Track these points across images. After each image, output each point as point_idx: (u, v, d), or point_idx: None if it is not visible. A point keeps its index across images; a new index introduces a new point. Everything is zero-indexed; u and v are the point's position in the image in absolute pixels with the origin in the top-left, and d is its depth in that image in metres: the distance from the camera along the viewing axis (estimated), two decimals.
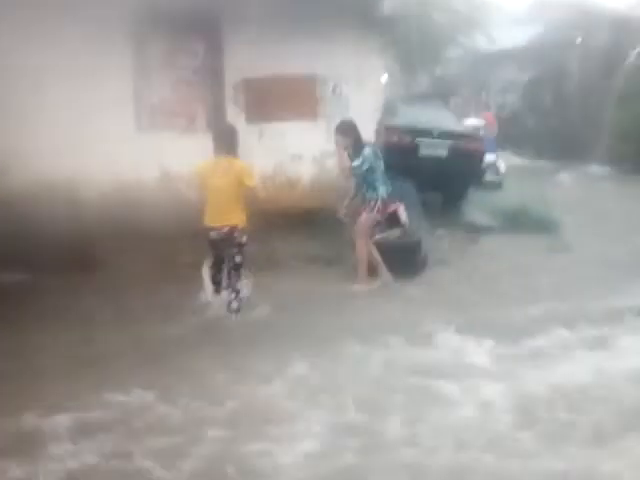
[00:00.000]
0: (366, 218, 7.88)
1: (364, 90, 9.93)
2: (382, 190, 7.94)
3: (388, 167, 8.13)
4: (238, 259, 6.82)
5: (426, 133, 11.52)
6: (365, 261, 7.84)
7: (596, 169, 19.23)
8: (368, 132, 8.91)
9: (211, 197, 6.74)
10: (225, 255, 6.87)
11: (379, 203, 7.92)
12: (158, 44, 9.06)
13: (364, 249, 7.85)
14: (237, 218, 6.75)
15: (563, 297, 7.40)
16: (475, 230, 10.66)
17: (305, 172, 9.71)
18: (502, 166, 14.81)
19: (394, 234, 8.17)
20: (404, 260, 8.08)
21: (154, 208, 8.31)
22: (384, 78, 12.09)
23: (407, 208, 8.35)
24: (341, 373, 5.35)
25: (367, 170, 7.86)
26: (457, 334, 6.09)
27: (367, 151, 7.91)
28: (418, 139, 11.41)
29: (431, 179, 10.49)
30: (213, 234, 6.79)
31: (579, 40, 20.90)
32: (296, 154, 9.65)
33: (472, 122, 14.67)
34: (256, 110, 9.48)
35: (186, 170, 7.63)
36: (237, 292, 6.81)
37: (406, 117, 11.83)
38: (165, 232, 7.77)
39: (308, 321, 6.60)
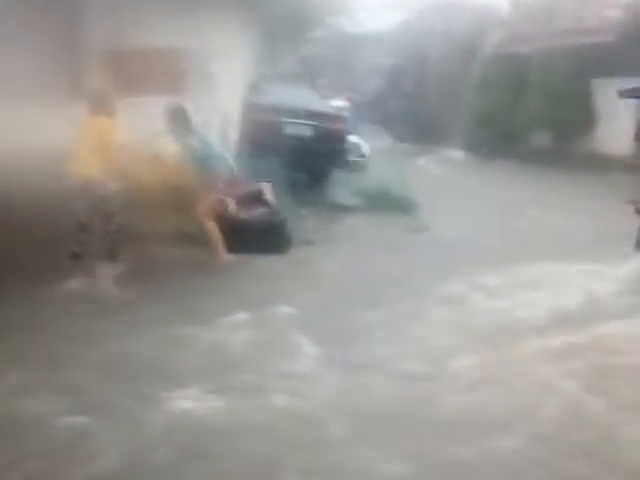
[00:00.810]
0: (208, 199, 7.85)
1: (231, 66, 9.83)
2: (224, 170, 7.93)
3: (253, 145, 8.10)
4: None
5: (291, 112, 11.56)
6: (218, 237, 7.80)
7: (454, 153, 20.02)
8: (235, 109, 8.85)
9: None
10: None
11: (221, 183, 7.90)
12: (15, 12, 8.59)
13: (213, 225, 7.82)
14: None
15: (416, 275, 7.67)
16: (339, 210, 10.85)
17: (169, 148, 9.50)
18: (365, 148, 15.11)
19: (260, 213, 8.18)
20: (270, 239, 8.10)
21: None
22: (251, 55, 11.99)
23: (273, 187, 8.37)
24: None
25: (200, 157, 7.83)
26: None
27: (194, 142, 7.88)
28: (283, 118, 11.43)
29: (296, 158, 10.54)
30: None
31: (441, 28, 21.57)
32: (161, 129, 9.42)
33: (337, 103, 14.84)
34: (120, 83, 9.17)
35: (46, 143, 7.30)
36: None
37: (272, 96, 11.80)
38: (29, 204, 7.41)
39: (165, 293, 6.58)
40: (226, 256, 7.76)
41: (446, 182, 14.74)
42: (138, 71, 9.18)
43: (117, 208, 7.18)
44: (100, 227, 7.17)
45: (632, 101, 17.68)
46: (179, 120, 7.89)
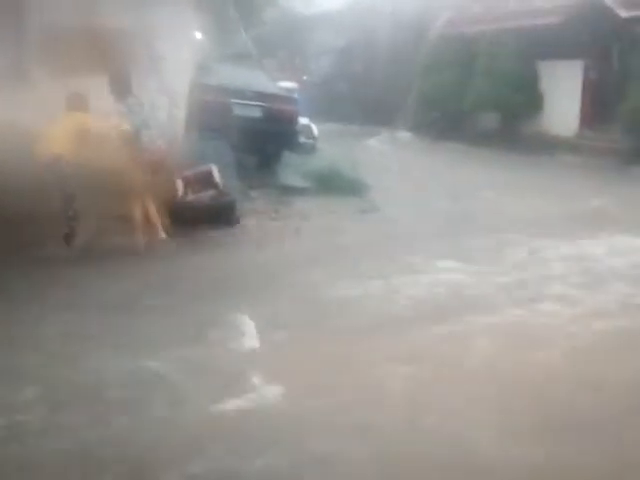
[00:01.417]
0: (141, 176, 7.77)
1: (179, 47, 9.67)
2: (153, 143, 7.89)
3: (202, 127, 8.01)
4: None
5: (240, 94, 11.46)
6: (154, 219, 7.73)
7: (404, 135, 20.12)
8: (182, 90, 8.71)
9: None
10: None
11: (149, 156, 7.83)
12: None
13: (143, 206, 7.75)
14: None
15: (365, 255, 7.70)
16: (289, 191, 10.81)
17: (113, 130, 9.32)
18: (315, 129, 15.08)
19: (208, 195, 8.12)
20: (218, 221, 8.05)
21: None
22: (199, 36, 11.84)
23: (221, 169, 8.31)
24: None
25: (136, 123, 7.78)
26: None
27: (133, 105, 7.89)
28: (232, 99, 11.32)
29: (245, 140, 10.47)
30: None
31: (390, 9, 21.59)
32: (104, 112, 9.24)
33: (286, 85, 14.77)
34: (62, 64, 8.95)
35: None
36: None
37: (221, 76, 11.69)
38: None
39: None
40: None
41: (396, 164, 14.80)
42: (81, 53, 8.95)
43: (77, 191, 7.35)
44: (60, 211, 7.33)
45: (576, 83, 18.02)
46: (120, 80, 7.88)
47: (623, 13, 16.19)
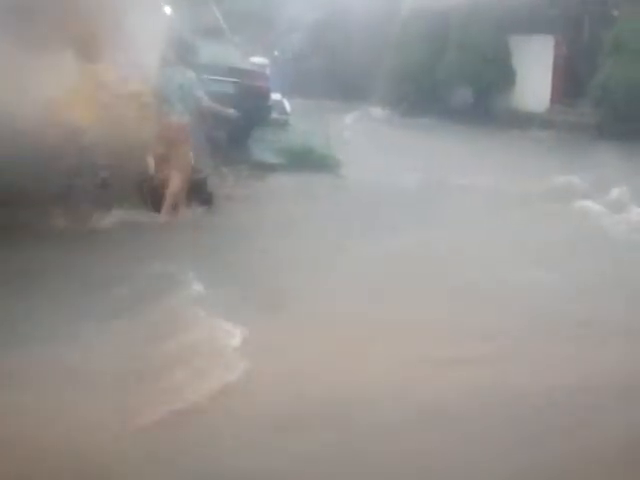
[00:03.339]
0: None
1: (147, 23, 9.53)
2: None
3: None
4: None
5: (212, 69, 11.34)
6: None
7: (377, 111, 20.11)
8: (153, 67, 8.55)
9: None
10: None
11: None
12: None
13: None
14: None
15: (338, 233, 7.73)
16: (262, 168, 10.77)
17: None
18: (287, 105, 15.01)
19: None
20: (190, 198, 8.01)
21: None
22: (168, 10, 11.68)
23: (193, 145, 8.24)
24: None
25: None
26: None
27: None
28: (204, 75, 11.21)
29: (217, 116, 10.39)
30: None
31: None
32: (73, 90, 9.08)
33: (258, 60, 14.65)
34: (28, 42, 8.77)
35: None
36: None
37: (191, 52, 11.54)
38: None
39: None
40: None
41: (369, 139, 14.81)
42: (48, 30, 8.77)
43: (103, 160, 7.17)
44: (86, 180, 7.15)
45: (547, 57, 18.09)
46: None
47: None
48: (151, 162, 7.85)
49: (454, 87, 19.72)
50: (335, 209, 8.78)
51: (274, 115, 13.80)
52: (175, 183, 7.70)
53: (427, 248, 7.03)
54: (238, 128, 11.54)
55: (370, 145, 13.91)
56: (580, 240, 7.65)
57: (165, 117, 7.78)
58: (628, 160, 11.42)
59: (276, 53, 18.72)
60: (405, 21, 20.68)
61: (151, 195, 7.73)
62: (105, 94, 7.30)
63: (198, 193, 8.15)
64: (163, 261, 5.93)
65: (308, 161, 11.06)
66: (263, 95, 12.11)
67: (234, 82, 11.41)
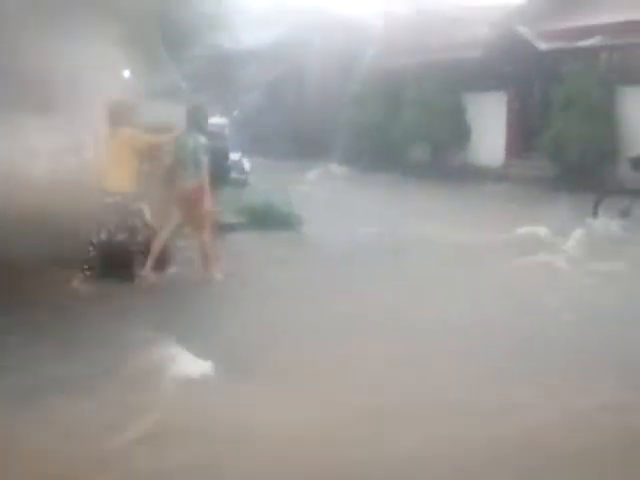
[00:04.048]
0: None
1: (105, 84, 9.58)
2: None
3: None
4: None
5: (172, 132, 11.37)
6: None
7: (336, 167, 20.30)
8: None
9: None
10: None
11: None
12: None
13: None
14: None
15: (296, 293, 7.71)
16: (221, 228, 10.73)
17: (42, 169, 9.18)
18: (247, 164, 15.11)
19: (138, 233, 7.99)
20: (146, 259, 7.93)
21: None
22: (127, 73, 11.76)
23: (151, 208, 8.20)
24: None
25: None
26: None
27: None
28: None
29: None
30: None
31: (318, 42, 21.89)
32: (32, 150, 9.07)
33: (217, 120, 14.80)
34: None
35: None
36: None
37: (150, 114, 11.59)
38: None
39: None
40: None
41: (329, 196, 14.92)
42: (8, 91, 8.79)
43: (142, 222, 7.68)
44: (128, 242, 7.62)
45: (501, 114, 18.54)
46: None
47: (542, 46, 16.81)
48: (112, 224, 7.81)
49: (411, 143, 20.08)
50: (295, 268, 8.77)
51: (233, 174, 13.88)
52: (203, 240, 8.13)
53: (382, 307, 7.03)
54: None
55: (330, 202, 14.02)
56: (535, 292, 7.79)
57: (182, 180, 8.10)
58: (580, 211, 11.72)
59: (235, 113, 18.88)
60: (361, 79, 21.09)
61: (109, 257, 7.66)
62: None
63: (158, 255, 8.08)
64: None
65: (269, 219, 11.06)
66: (222, 155, 12.20)
67: None
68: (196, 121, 8.31)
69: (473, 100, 19.31)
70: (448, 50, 18.92)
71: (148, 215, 7.93)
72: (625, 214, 11.38)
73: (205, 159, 8.14)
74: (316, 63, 22.06)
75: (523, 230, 10.91)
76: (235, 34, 17.31)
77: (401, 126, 20.04)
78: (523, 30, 17.14)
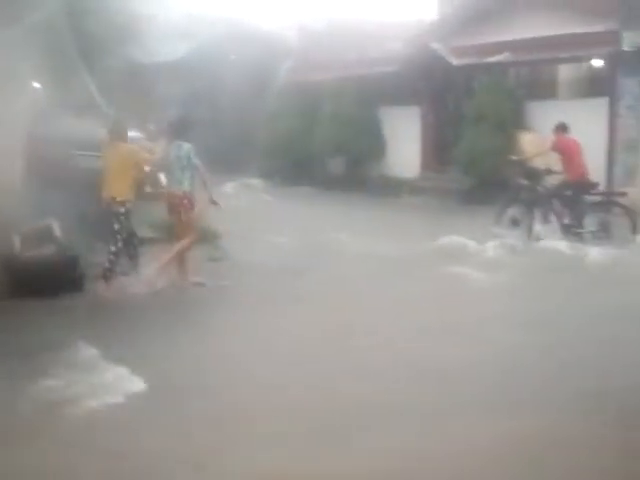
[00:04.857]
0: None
1: (13, 98, 9.31)
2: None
3: (43, 180, 7.72)
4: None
5: (84, 145, 11.13)
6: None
7: (253, 181, 20.28)
8: (19, 142, 8.35)
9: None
10: None
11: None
12: None
13: None
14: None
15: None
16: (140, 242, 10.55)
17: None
18: (162, 178, 14.86)
19: (47, 250, 7.79)
20: (61, 277, 7.72)
21: None
22: (36, 87, 11.46)
23: (64, 223, 8.02)
24: None
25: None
26: None
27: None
28: (76, 151, 10.98)
29: (90, 192, 10.15)
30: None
31: (232, 57, 21.83)
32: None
33: (131, 134, 14.51)
34: None
35: None
36: None
37: (62, 128, 11.32)
38: None
39: None
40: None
41: (246, 210, 14.88)
42: None
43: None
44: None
45: (415, 127, 18.87)
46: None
47: (454, 61, 17.21)
48: (17, 241, 7.58)
49: (328, 157, 20.23)
50: (213, 285, 8.72)
51: (148, 189, 13.62)
52: (184, 246, 8.61)
53: (297, 321, 7.08)
54: None
55: (248, 215, 13.97)
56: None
57: (168, 187, 8.92)
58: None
59: (151, 127, 18.57)
60: (277, 93, 21.12)
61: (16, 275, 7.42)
62: None
63: (67, 273, 7.87)
64: None
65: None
66: None
67: None
68: (180, 131, 8.80)
69: (389, 114, 19.58)
70: (363, 65, 19.15)
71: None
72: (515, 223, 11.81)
73: (192, 165, 8.70)
74: (231, 77, 21.96)
75: (439, 242, 11.13)
76: (149, 46, 17.05)
77: (317, 140, 20.16)
78: (436, 46, 17.49)
